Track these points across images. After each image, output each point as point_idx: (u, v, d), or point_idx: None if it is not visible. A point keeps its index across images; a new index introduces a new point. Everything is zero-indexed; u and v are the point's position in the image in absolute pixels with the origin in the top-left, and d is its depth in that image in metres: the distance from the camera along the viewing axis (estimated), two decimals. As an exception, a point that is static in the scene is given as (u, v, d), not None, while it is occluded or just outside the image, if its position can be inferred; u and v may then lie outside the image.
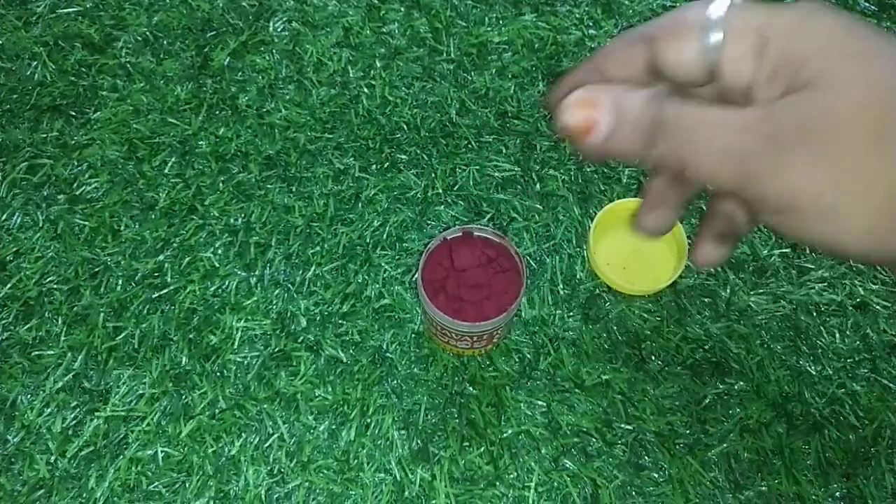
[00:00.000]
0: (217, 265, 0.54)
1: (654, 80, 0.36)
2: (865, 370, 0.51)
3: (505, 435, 0.47)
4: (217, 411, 0.48)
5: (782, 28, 0.30)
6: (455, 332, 0.45)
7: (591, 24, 0.67)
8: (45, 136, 0.60)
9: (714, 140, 0.30)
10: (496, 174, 0.58)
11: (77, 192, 0.57)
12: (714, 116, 0.31)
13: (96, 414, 0.48)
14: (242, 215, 0.56)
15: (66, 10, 0.67)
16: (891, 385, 0.50)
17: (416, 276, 0.46)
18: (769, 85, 0.31)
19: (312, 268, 0.54)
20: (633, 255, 0.54)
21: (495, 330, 0.46)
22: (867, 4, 0.68)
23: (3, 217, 0.56)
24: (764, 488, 0.45)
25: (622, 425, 0.48)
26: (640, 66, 0.36)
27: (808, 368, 0.50)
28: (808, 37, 0.30)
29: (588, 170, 0.58)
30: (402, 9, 0.67)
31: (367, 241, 0.55)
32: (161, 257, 0.54)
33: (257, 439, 0.47)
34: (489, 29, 0.66)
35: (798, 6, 0.31)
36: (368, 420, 0.48)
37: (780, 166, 0.29)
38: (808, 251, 0.55)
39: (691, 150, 0.31)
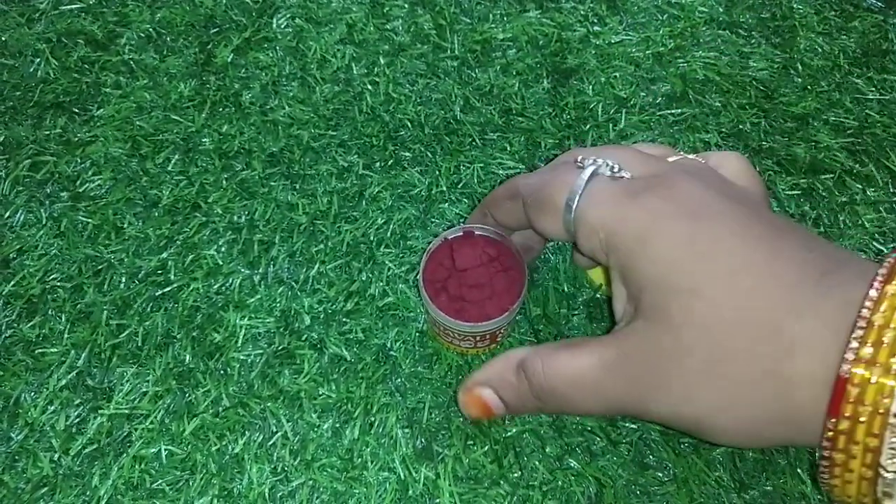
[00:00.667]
0: (220, 263, 0.54)
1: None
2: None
3: (509, 434, 0.47)
4: (220, 409, 0.48)
5: (625, 240, 0.34)
6: (458, 333, 0.45)
7: (595, 20, 0.67)
8: (48, 133, 0.60)
9: (587, 397, 0.36)
10: (500, 171, 0.58)
11: (80, 190, 0.57)
12: (575, 371, 0.36)
13: (100, 412, 0.48)
14: (246, 213, 0.56)
15: (69, 7, 0.67)
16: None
17: (418, 276, 0.46)
18: (622, 285, 0.35)
19: (316, 265, 0.53)
20: None
21: (498, 329, 0.46)
22: (874, 1, 0.68)
23: (7, 214, 0.56)
24: (769, 488, 0.45)
25: (627, 424, 0.47)
26: (520, 218, 0.43)
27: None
28: (645, 260, 0.33)
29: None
30: (406, 5, 0.67)
31: (371, 238, 0.55)
32: (164, 255, 0.54)
33: (261, 437, 0.47)
34: (493, 26, 0.66)
35: (647, 207, 0.34)
36: (372, 418, 0.48)
37: (644, 403, 0.34)
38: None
39: (574, 408, 0.37)
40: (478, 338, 0.46)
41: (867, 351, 0.26)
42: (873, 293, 0.27)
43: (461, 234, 0.47)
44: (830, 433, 0.28)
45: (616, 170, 0.37)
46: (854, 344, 0.27)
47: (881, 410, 0.26)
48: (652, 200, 0.34)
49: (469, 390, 0.41)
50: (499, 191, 0.46)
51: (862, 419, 0.27)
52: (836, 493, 0.30)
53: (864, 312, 0.27)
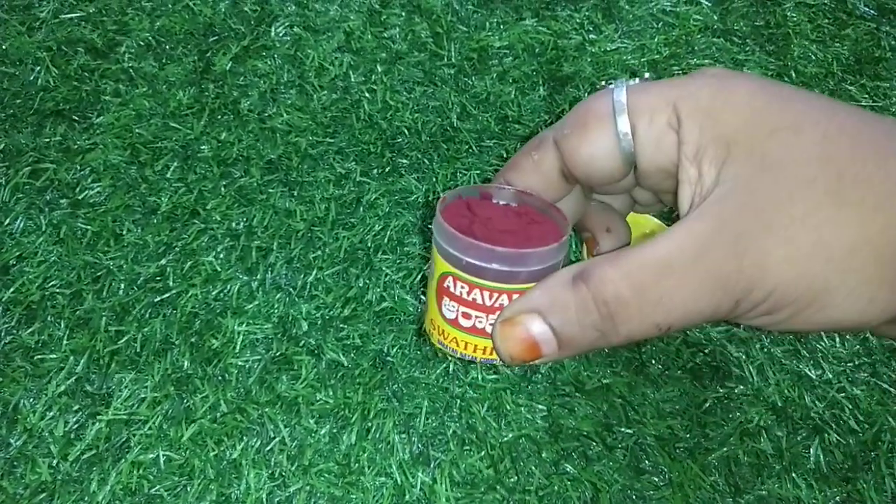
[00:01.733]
0: (219, 269, 0.54)
1: (568, 187, 0.33)
2: (865, 374, 0.51)
3: (505, 439, 0.47)
4: (218, 415, 0.48)
5: (697, 101, 0.28)
6: (492, 290, 0.31)
7: (591, 28, 0.67)
8: (47, 140, 0.60)
9: (684, 282, 0.26)
10: (497, 178, 0.58)
11: (80, 197, 0.58)
12: (662, 257, 0.27)
13: (98, 417, 0.48)
14: (244, 220, 0.56)
15: (69, 16, 0.67)
16: (891, 389, 0.50)
17: (435, 228, 0.33)
18: (698, 161, 0.28)
19: (314, 272, 0.54)
20: None
21: (553, 265, 0.32)
22: (866, 9, 0.68)
23: (6, 221, 0.56)
24: (764, 492, 0.45)
25: (622, 429, 0.48)
26: (551, 175, 0.33)
27: (808, 372, 0.51)
28: (727, 111, 0.27)
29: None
30: (403, 14, 0.67)
31: (369, 245, 0.55)
32: (163, 261, 0.54)
33: (259, 443, 0.47)
34: (490, 34, 0.66)
35: (706, 73, 0.29)
36: (369, 424, 0.48)
37: (761, 268, 0.26)
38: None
39: (666, 305, 0.27)
40: (513, 293, 0.32)
41: None
42: None
43: (478, 195, 0.36)
44: None
45: (646, 77, 0.32)
46: None
47: None
48: (708, 69, 0.30)
49: (510, 321, 0.29)
50: (518, 153, 0.36)
51: None
52: None
53: None
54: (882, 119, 0.27)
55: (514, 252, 0.30)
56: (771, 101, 0.27)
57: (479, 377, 0.49)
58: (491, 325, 0.32)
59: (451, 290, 0.33)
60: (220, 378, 0.50)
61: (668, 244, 0.27)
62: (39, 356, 0.51)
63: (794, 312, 0.27)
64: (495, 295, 0.31)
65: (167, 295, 0.53)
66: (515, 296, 0.31)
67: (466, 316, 0.33)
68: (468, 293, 0.32)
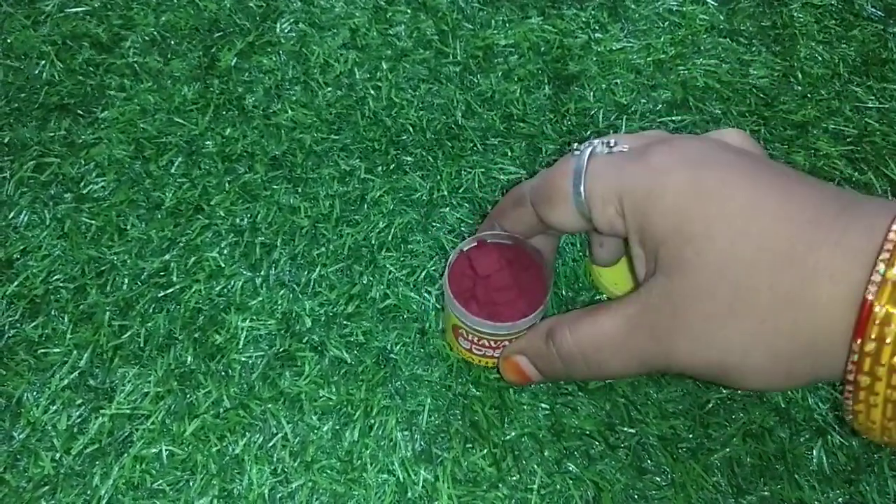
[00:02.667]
0: (223, 265, 0.54)
1: (547, 229, 0.43)
2: (869, 376, 0.51)
3: (508, 437, 0.47)
4: (221, 410, 0.48)
5: (635, 200, 0.34)
6: (494, 339, 0.45)
7: (597, 27, 0.67)
8: (52, 134, 0.60)
9: (615, 357, 0.36)
10: (502, 177, 0.58)
11: (84, 191, 0.58)
12: (600, 332, 0.37)
13: (101, 412, 0.48)
14: (248, 215, 0.56)
15: (74, 10, 0.67)
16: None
17: (444, 290, 0.46)
18: (641, 246, 0.35)
19: (318, 268, 0.54)
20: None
21: (534, 325, 0.45)
22: (874, 10, 0.68)
23: (11, 215, 0.56)
24: (766, 493, 0.45)
25: (625, 429, 0.48)
26: (530, 222, 0.43)
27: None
28: (657, 215, 0.33)
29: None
30: (409, 11, 0.67)
31: (373, 242, 0.55)
32: (167, 256, 0.54)
33: (261, 439, 0.47)
34: (495, 32, 0.66)
35: (650, 164, 0.35)
36: (372, 421, 0.48)
37: (672, 352, 0.34)
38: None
39: (603, 370, 0.38)
40: (513, 340, 0.45)
41: (894, 272, 0.26)
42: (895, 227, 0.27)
43: (475, 244, 0.48)
44: (856, 356, 0.28)
45: (612, 144, 0.38)
46: (881, 266, 0.27)
47: None
48: (654, 158, 0.35)
49: (507, 358, 0.44)
50: (504, 201, 0.46)
51: (888, 340, 0.27)
52: (860, 420, 0.30)
53: (892, 236, 0.27)
54: (806, 199, 0.31)
55: (507, 324, 0.43)
56: (693, 203, 0.33)
57: (483, 375, 0.49)
58: (496, 355, 0.46)
59: (464, 335, 0.46)
60: (223, 374, 0.50)
61: (607, 323, 0.36)
62: (43, 350, 0.51)
63: (712, 381, 0.37)
64: (496, 341, 0.45)
65: (171, 290, 0.53)
66: (509, 341, 0.45)
67: (478, 349, 0.46)
68: (477, 340, 0.46)
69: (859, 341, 0.28)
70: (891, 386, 0.27)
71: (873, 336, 0.27)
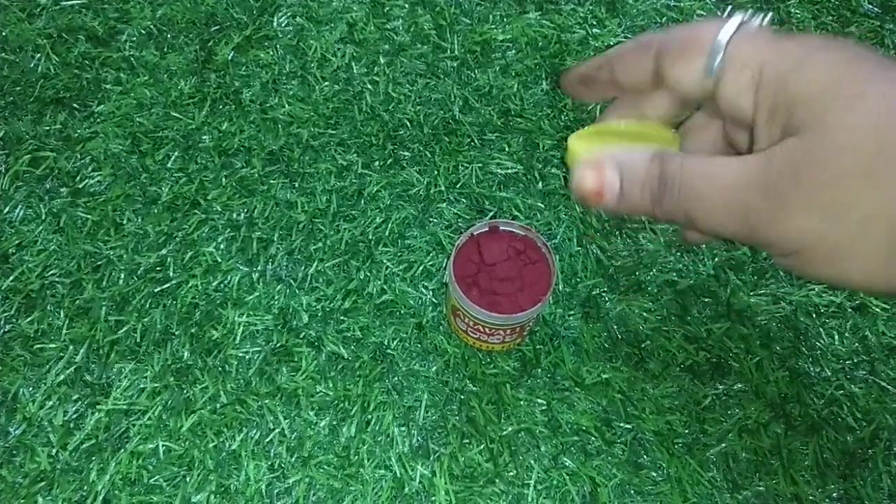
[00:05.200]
0: (219, 260, 0.54)
1: (658, 88, 0.38)
2: (864, 372, 0.51)
3: (505, 432, 0.47)
4: (218, 406, 0.48)
5: (780, 66, 0.31)
6: (489, 327, 0.45)
7: (594, 22, 0.67)
8: (48, 128, 0.60)
9: (716, 197, 0.32)
10: (499, 172, 0.58)
11: (80, 186, 0.57)
12: (714, 171, 0.32)
13: (98, 407, 0.48)
14: (245, 210, 0.56)
15: (69, 3, 0.67)
16: (889, 387, 0.51)
17: (448, 271, 0.46)
18: (768, 123, 0.32)
19: (314, 264, 0.54)
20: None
21: (528, 321, 0.46)
22: (870, 7, 0.68)
23: (6, 210, 0.56)
24: (762, 488, 0.46)
25: (621, 424, 0.48)
26: (646, 75, 0.38)
27: (807, 369, 0.51)
28: (803, 78, 0.30)
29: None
30: (407, 5, 0.67)
31: (370, 237, 0.55)
32: (163, 251, 0.54)
33: (258, 434, 0.47)
34: (493, 27, 0.66)
35: (803, 41, 0.31)
36: (369, 416, 0.48)
37: (781, 214, 0.30)
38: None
39: (696, 206, 0.33)
40: (508, 331, 0.46)
41: None
42: None
43: (486, 229, 0.48)
44: None
45: (763, 21, 0.34)
46: None
47: None
48: (807, 38, 0.32)
49: (594, 163, 0.36)
50: (627, 43, 0.39)
51: None
52: None
53: None
54: None
55: (505, 315, 0.43)
56: (845, 72, 0.29)
57: (480, 371, 0.49)
58: (491, 340, 0.47)
59: (461, 317, 0.46)
60: (220, 369, 0.50)
61: (725, 166, 0.32)
62: (39, 345, 0.51)
63: (804, 261, 0.31)
64: (491, 329, 0.45)
65: (167, 285, 0.53)
66: (503, 330, 0.46)
67: (473, 332, 0.47)
68: (473, 324, 0.46)
69: None
70: None
71: None
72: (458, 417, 0.48)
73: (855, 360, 0.51)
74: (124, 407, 0.48)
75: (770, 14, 0.34)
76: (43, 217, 0.56)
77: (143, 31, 0.65)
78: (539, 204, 0.57)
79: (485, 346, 0.48)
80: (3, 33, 0.65)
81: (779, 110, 0.31)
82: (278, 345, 0.50)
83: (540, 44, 0.65)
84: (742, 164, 0.31)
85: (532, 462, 0.46)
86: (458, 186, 0.58)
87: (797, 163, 0.29)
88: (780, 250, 0.31)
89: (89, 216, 0.56)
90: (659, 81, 0.37)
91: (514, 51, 0.65)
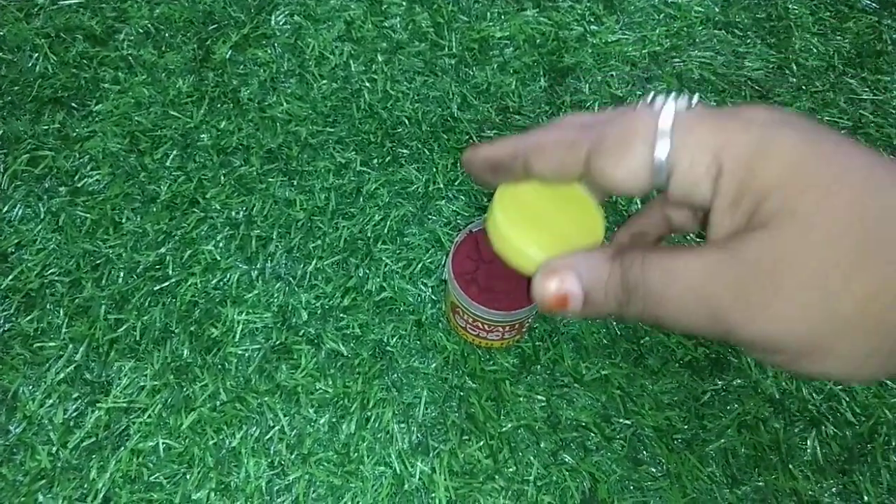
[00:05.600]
0: (218, 258, 0.54)
1: (583, 179, 0.35)
2: (863, 367, 0.51)
3: (504, 429, 0.47)
4: (218, 404, 0.48)
5: (740, 152, 0.30)
6: (488, 323, 0.45)
7: (592, 19, 0.67)
8: (46, 128, 0.60)
9: (683, 299, 0.30)
10: (497, 169, 0.58)
11: (79, 185, 0.57)
12: (678, 272, 0.30)
13: (98, 405, 0.48)
14: (244, 209, 0.56)
15: (67, 2, 0.67)
16: (888, 382, 0.51)
17: (447, 268, 0.46)
18: (731, 210, 0.30)
19: (313, 261, 0.54)
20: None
21: (527, 318, 0.46)
22: (868, 2, 0.68)
23: (5, 209, 0.56)
24: (761, 483, 0.46)
25: (621, 420, 0.48)
26: (573, 173, 0.35)
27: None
28: (766, 165, 0.29)
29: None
30: (404, 3, 0.67)
31: (369, 235, 0.55)
32: (162, 250, 0.54)
33: (258, 432, 0.47)
34: (491, 24, 0.66)
35: (752, 119, 0.30)
36: (369, 413, 0.48)
37: (757, 315, 0.29)
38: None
39: (663, 310, 0.31)
40: (507, 328, 0.46)
41: None
42: None
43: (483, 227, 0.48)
44: None
45: (694, 102, 0.32)
46: None
47: None
48: (755, 114, 0.30)
49: (553, 273, 0.34)
50: (546, 134, 0.37)
51: None
52: None
53: None
54: None
55: (504, 312, 0.44)
56: (810, 156, 0.28)
57: (479, 368, 0.50)
58: (490, 337, 0.48)
59: (461, 314, 0.47)
60: (219, 367, 0.50)
61: (690, 261, 0.30)
62: (38, 344, 0.51)
63: (784, 360, 0.29)
64: (490, 325, 0.45)
65: (166, 283, 0.53)
66: (502, 327, 0.46)
67: (472, 329, 0.47)
68: (472, 321, 0.46)
69: None
70: None
71: None
72: (457, 414, 0.48)
73: (854, 355, 0.51)
74: (124, 405, 0.48)
75: (697, 95, 0.32)
76: (42, 216, 0.56)
77: (141, 31, 0.65)
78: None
79: (484, 342, 0.49)
80: (1, 33, 0.65)
81: (744, 198, 0.30)
82: (278, 342, 0.50)
83: (538, 41, 0.65)
84: (707, 261, 0.30)
85: (532, 458, 0.47)
86: (456, 184, 0.58)
87: (771, 261, 0.28)
88: (757, 350, 0.29)
89: (88, 215, 0.56)
90: (589, 177, 0.35)
91: (511, 48, 0.65)
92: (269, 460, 0.46)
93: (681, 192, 0.32)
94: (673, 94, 0.32)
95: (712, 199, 0.31)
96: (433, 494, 0.45)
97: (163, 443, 0.47)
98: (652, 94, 0.32)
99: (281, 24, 0.66)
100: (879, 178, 0.27)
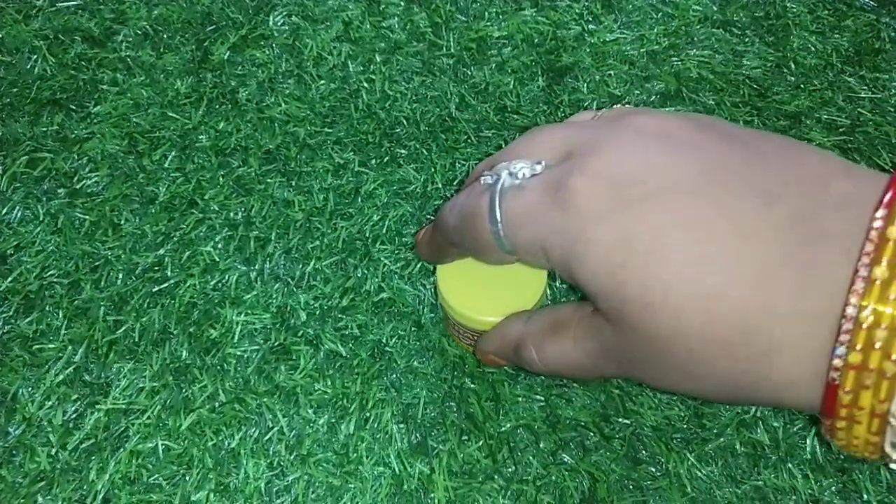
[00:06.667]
0: (217, 259, 0.54)
1: None
2: (862, 365, 0.51)
3: (503, 429, 0.47)
4: (217, 405, 0.48)
5: (558, 257, 0.32)
6: (476, 333, 0.45)
7: (590, 18, 0.67)
8: (45, 129, 0.60)
9: (581, 374, 0.38)
10: (495, 169, 0.58)
11: (77, 186, 0.57)
12: (568, 358, 0.37)
13: (97, 407, 0.48)
14: (242, 209, 0.56)
15: (65, 4, 0.67)
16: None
17: (437, 274, 0.45)
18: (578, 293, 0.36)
19: (312, 262, 0.54)
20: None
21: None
22: (866, 0, 0.68)
23: (4, 211, 0.56)
24: (760, 482, 0.46)
25: (620, 419, 0.48)
26: (457, 256, 0.44)
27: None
28: (586, 276, 0.30)
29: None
30: (402, 3, 0.67)
31: (367, 235, 0.55)
32: (161, 251, 0.54)
33: (257, 433, 0.47)
34: (489, 24, 0.66)
35: (567, 206, 0.30)
36: (368, 414, 0.48)
37: (640, 377, 0.33)
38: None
39: (573, 378, 0.46)
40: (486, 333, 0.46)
41: (856, 356, 0.23)
42: (854, 300, 0.24)
43: None
44: (828, 422, 0.26)
45: (524, 174, 0.32)
46: (841, 350, 0.24)
47: (881, 399, 0.24)
48: (574, 196, 0.29)
49: (483, 354, 0.45)
50: (432, 235, 0.45)
51: (859, 418, 0.25)
52: (840, 445, 0.27)
53: (849, 312, 0.24)
54: (768, 233, 0.28)
55: (490, 319, 0.43)
56: (627, 260, 0.28)
57: (478, 368, 0.50)
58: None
59: (452, 325, 0.47)
60: (218, 368, 0.50)
61: (571, 352, 0.37)
62: (38, 346, 0.51)
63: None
64: (479, 334, 0.45)
65: (165, 285, 0.53)
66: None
67: (464, 337, 0.47)
68: (462, 331, 0.46)
69: (829, 421, 0.26)
70: (871, 431, 0.25)
71: (843, 415, 0.25)
72: (456, 414, 0.48)
73: (853, 354, 0.51)
74: (123, 406, 0.48)
75: (518, 165, 0.33)
76: (41, 218, 0.56)
77: (139, 32, 0.65)
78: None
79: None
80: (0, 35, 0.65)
81: (582, 290, 0.32)
82: (276, 343, 0.50)
83: (536, 40, 0.65)
84: (583, 347, 0.35)
85: (531, 458, 0.47)
86: (455, 183, 0.58)
87: (626, 353, 0.31)
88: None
89: (87, 217, 0.56)
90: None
91: (510, 48, 0.65)
92: (269, 461, 0.46)
93: (531, 264, 0.36)
94: (505, 167, 0.33)
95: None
96: (432, 494, 0.45)
97: (162, 444, 0.47)
98: (489, 174, 0.35)
99: (279, 24, 0.66)
100: (700, 279, 0.27)
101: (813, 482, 0.46)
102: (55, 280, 0.53)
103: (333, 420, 0.48)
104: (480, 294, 0.44)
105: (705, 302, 0.26)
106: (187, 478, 0.46)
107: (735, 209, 0.27)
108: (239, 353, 0.50)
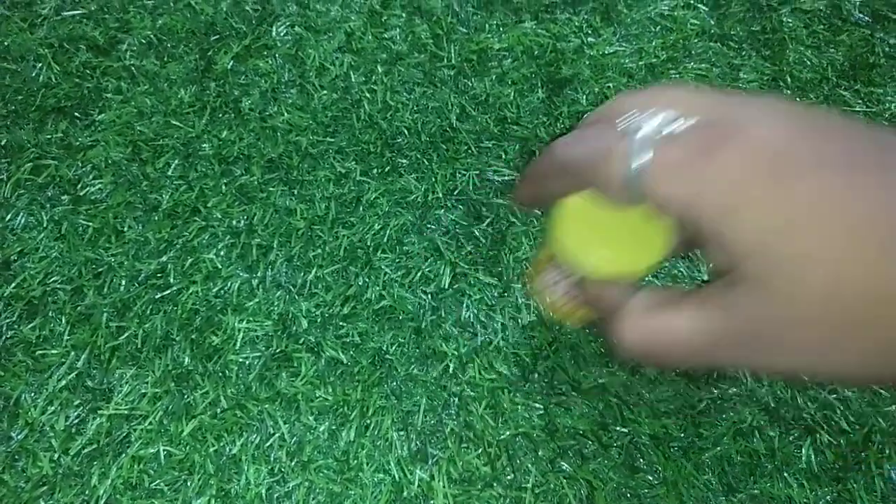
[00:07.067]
0: (219, 266, 0.54)
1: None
2: (857, 376, 0.51)
3: (502, 437, 0.48)
4: (218, 411, 0.49)
5: (708, 216, 0.30)
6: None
7: (590, 31, 0.68)
8: (49, 137, 0.61)
9: (685, 360, 0.32)
10: (496, 179, 0.59)
11: (81, 193, 0.58)
12: (676, 334, 0.32)
13: (99, 412, 0.49)
14: (245, 217, 0.57)
15: (71, 13, 0.67)
16: (881, 391, 0.51)
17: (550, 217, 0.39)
18: (713, 252, 0.31)
19: (314, 270, 0.54)
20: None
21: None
22: (861, 16, 0.69)
23: (8, 217, 0.57)
24: (756, 491, 0.46)
25: (618, 428, 0.48)
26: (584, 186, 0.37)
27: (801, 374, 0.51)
28: (738, 233, 0.29)
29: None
30: (404, 15, 0.68)
31: (368, 244, 0.56)
32: (164, 258, 0.55)
33: (258, 439, 0.48)
34: (489, 36, 0.67)
35: (723, 166, 0.29)
36: (368, 421, 0.48)
37: (760, 362, 0.31)
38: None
39: (665, 365, 0.35)
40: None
41: None
42: None
43: None
44: None
45: (672, 129, 0.31)
46: None
47: None
48: (730, 159, 0.29)
49: (581, 306, 0.39)
50: (541, 167, 0.38)
51: None
52: None
53: None
54: None
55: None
56: (785, 224, 0.28)
57: (478, 376, 0.50)
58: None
59: (552, 277, 0.40)
60: (220, 374, 0.50)
61: (683, 327, 0.33)
62: (41, 351, 0.51)
63: (804, 376, 0.31)
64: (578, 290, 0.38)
65: (168, 291, 0.53)
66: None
67: (560, 290, 0.40)
68: (563, 282, 0.39)
69: None
70: None
71: None
72: (456, 422, 0.48)
73: (848, 364, 0.52)
74: (125, 412, 0.49)
75: (668, 113, 0.31)
76: (45, 224, 0.56)
77: (144, 41, 0.66)
78: (536, 210, 0.57)
79: (575, 311, 0.42)
80: (5, 43, 0.66)
81: (720, 251, 0.30)
82: (278, 350, 0.51)
83: (536, 52, 0.66)
84: (703, 322, 0.32)
85: (529, 466, 0.47)
86: (455, 193, 0.58)
87: (761, 323, 0.30)
88: (772, 377, 0.31)
89: (90, 223, 0.56)
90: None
91: (510, 59, 0.66)
92: (269, 467, 0.47)
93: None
94: (647, 114, 0.31)
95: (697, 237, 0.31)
96: (432, 501, 0.46)
97: (164, 450, 0.47)
98: (634, 117, 0.32)
99: (282, 35, 0.67)
100: (863, 239, 0.26)
101: (808, 491, 0.47)
102: (58, 286, 0.54)
103: (334, 427, 0.48)
104: (599, 241, 0.39)
105: (867, 261, 0.27)
106: (189, 483, 0.46)
107: (887, 183, 0.27)
108: (241, 360, 0.51)
